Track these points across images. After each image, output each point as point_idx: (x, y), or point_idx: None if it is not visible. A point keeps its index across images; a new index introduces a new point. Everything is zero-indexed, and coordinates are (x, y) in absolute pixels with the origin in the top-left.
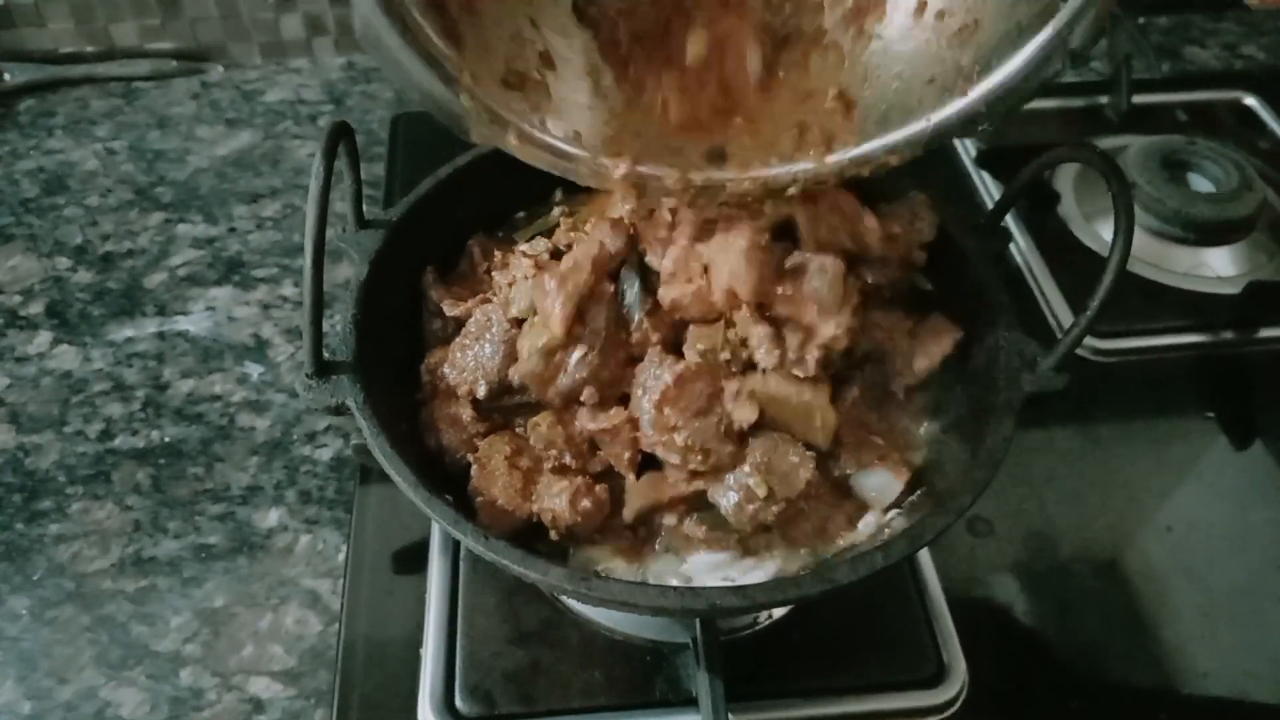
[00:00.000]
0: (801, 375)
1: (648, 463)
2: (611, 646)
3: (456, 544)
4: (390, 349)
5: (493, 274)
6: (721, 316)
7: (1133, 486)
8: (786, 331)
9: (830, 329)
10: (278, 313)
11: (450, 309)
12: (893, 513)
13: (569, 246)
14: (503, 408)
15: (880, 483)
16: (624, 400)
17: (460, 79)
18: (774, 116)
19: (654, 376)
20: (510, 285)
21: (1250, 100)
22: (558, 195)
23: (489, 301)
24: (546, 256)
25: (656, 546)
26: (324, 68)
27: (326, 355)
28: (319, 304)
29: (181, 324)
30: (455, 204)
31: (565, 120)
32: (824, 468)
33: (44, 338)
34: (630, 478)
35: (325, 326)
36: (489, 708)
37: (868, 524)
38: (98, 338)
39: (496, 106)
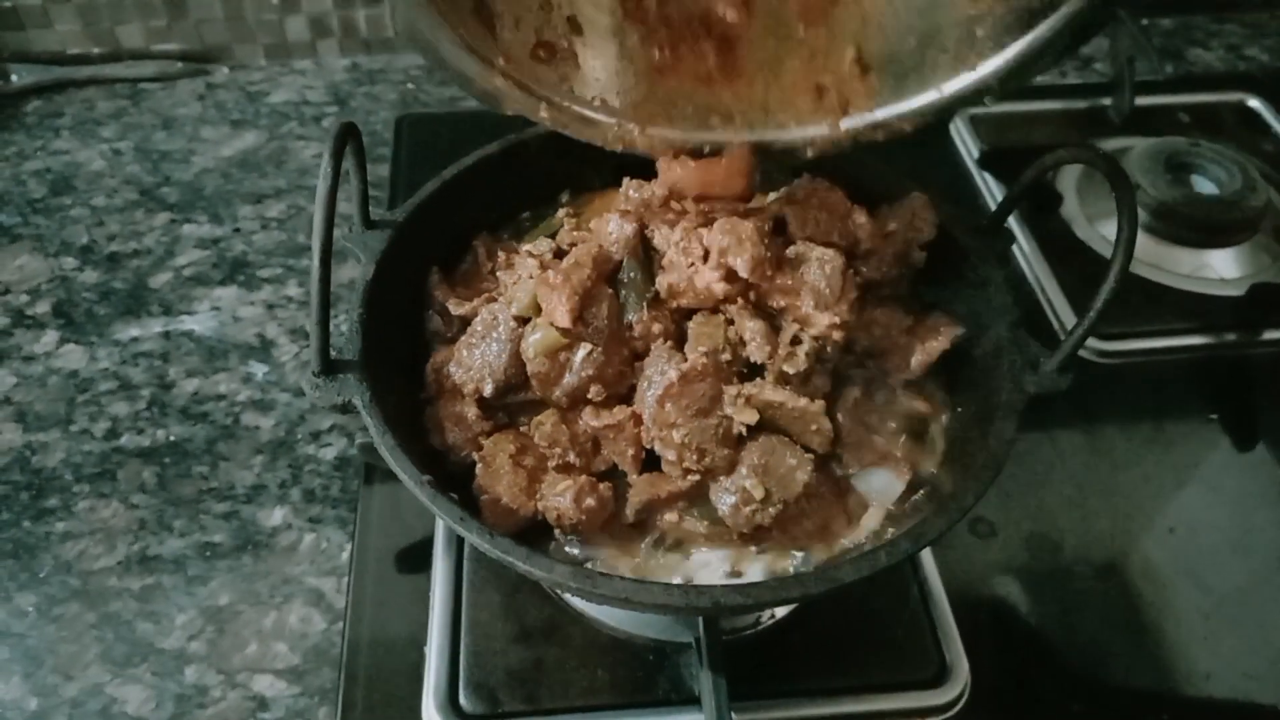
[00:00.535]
0: (792, 371)
1: (651, 462)
2: (615, 645)
3: (460, 543)
4: (395, 348)
5: (498, 274)
6: (719, 305)
7: (1135, 488)
8: (782, 323)
9: (825, 320)
10: (282, 313)
11: (456, 308)
12: (894, 513)
13: (573, 245)
14: (507, 406)
15: (882, 483)
16: (627, 398)
17: (495, 63)
18: (794, 76)
19: (660, 372)
20: (515, 285)
21: (1253, 102)
22: (564, 197)
23: (495, 301)
24: (550, 256)
25: (659, 544)
26: (328, 69)
27: (333, 354)
28: (326, 303)
29: (187, 324)
30: (460, 204)
31: (592, 89)
32: (825, 468)
33: (50, 337)
34: (633, 475)
35: (330, 326)
36: (493, 706)
37: (869, 524)
38: (104, 337)
39: (528, 81)
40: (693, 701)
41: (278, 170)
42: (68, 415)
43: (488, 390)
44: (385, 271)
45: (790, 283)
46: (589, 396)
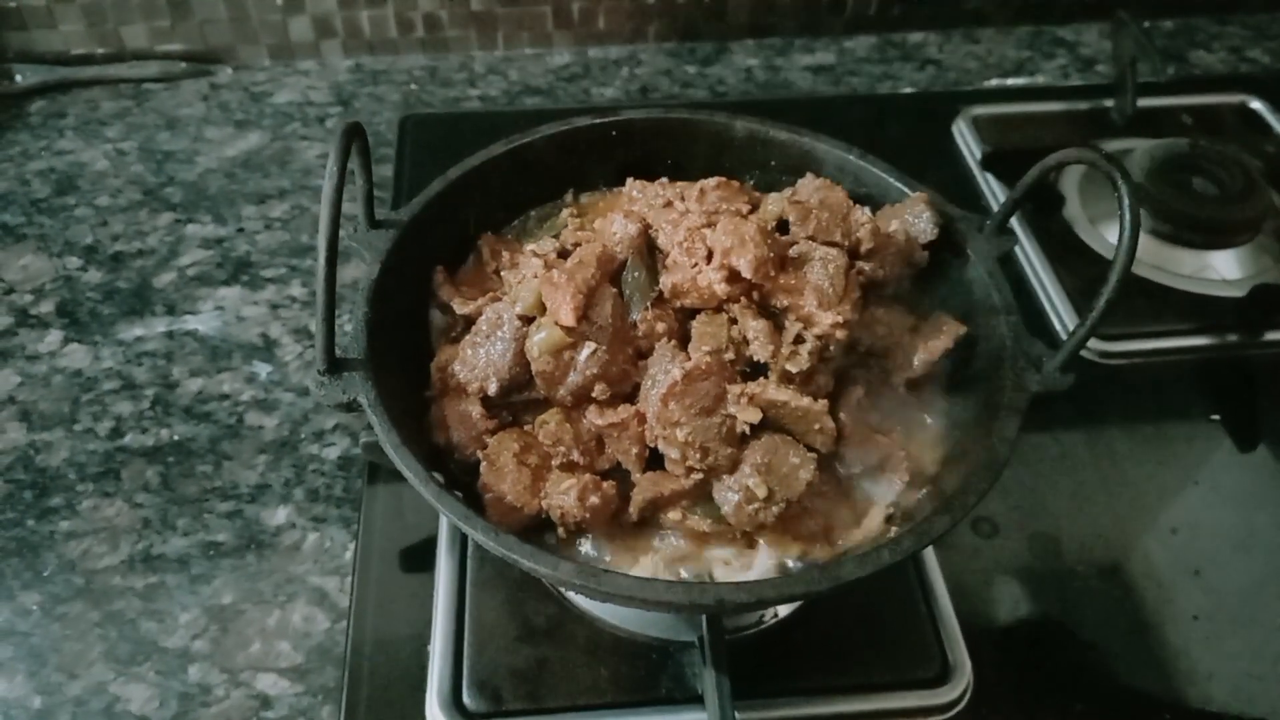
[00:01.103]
0: (795, 370)
1: (655, 461)
2: (618, 644)
3: (464, 541)
4: (400, 347)
5: (502, 273)
6: (721, 304)
7: (1137, 488)
8: (785, 322)
9: (828, 319)
10: (286, 313)
11: (460, 307)
12: (897, 512)
13: (577, 245)
14: (511, 405)
15: (884, 482)
16: (631, 397)
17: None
18: None
19: (664, 371)
20: (519, 284)
21: (1255, 104)
22: (568, 196)
23: (499, 300)
24: (555, 256)
25: (662, 543)
26: (332, 69)
27: (338, 353)
28: (332, 302)
29: (190, 323)
30: (465, 204)
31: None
32: (828, 467)
33: (54, 336)
34: (637, 474)
35: (335, 325)
36: (496, 704)
37: (872, 523)
38: (108, 337)
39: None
40: (696, 700)
41: (281, 170)
42: (72, 414)
43: (492, 389)
44: (390, 271)
45: (793, 282)
46: (593, 395)
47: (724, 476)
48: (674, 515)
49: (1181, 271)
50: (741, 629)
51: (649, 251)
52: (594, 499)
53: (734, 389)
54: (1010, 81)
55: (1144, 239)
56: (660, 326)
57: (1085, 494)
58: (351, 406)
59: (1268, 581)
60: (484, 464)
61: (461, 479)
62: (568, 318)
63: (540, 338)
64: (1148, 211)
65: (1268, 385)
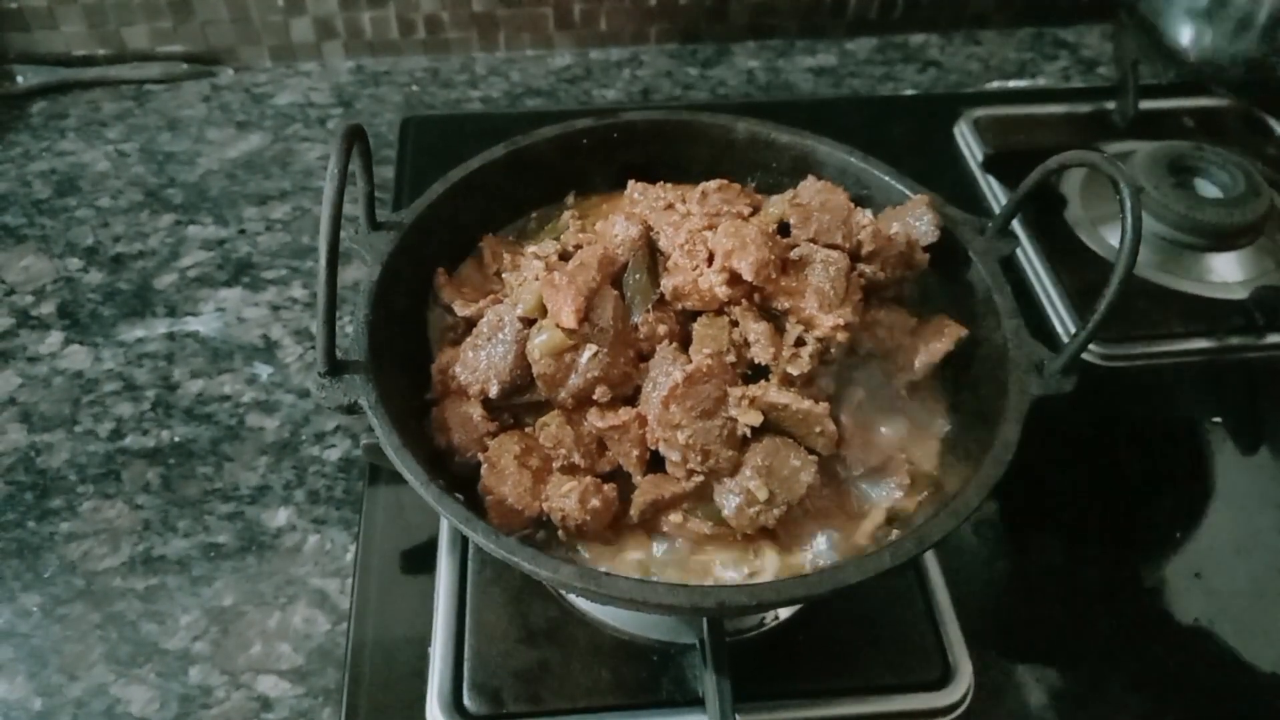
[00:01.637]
0: (796, 372)
1: (656, 463)
2: (619, 646)
3: (465, 544)
4: (401, 349)
5: (503, 275)
6: (723, 307)
7: (1139, 491)
8: (786, 324)
9: (829, 321)
10: (287, 314)
11: (461, 309)
12: (898, 515)
13: (578, 247)
14: (512, 407)
15: (886, 485)
16: (632, 400)
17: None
18: None
19: (665, 373)
20: (520, 286)
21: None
22: (569, 199)
23: (500, 302)
24: (556, 258)
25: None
26: (333, 71)
27: (338, 355)
28: (333, 304)
29: (191, 325)
30: (466, 206)
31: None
32: (829, 469)
33: (55, 338)
34: (638, 476)
35: (336, 327)
36: (497, 706)
37: (873, 525)
38: (109, 338)
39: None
40: (697, 703)
41: (282, 172)
42: (72, 416)
43: (493, 391)
44: (391, 273)
45: (794, 284)
46: (594, 398)
47: (725, 479)
48: (675, 518)
49: (1183, 274)
50: (742, 631)
51: (650, 254)
52: (595, 501)
53: (735, 391)
54: (1012, 84)
55: (1145, 241)
56: (661, 329)
57: (1086, 496)
58: (352, 408)
59: (1269, 583)
60: (485, 466)
61: (462, 481)
62: (569, 320)
63: (541, 340)
64: (1149, 214)
65: (1269, 388)
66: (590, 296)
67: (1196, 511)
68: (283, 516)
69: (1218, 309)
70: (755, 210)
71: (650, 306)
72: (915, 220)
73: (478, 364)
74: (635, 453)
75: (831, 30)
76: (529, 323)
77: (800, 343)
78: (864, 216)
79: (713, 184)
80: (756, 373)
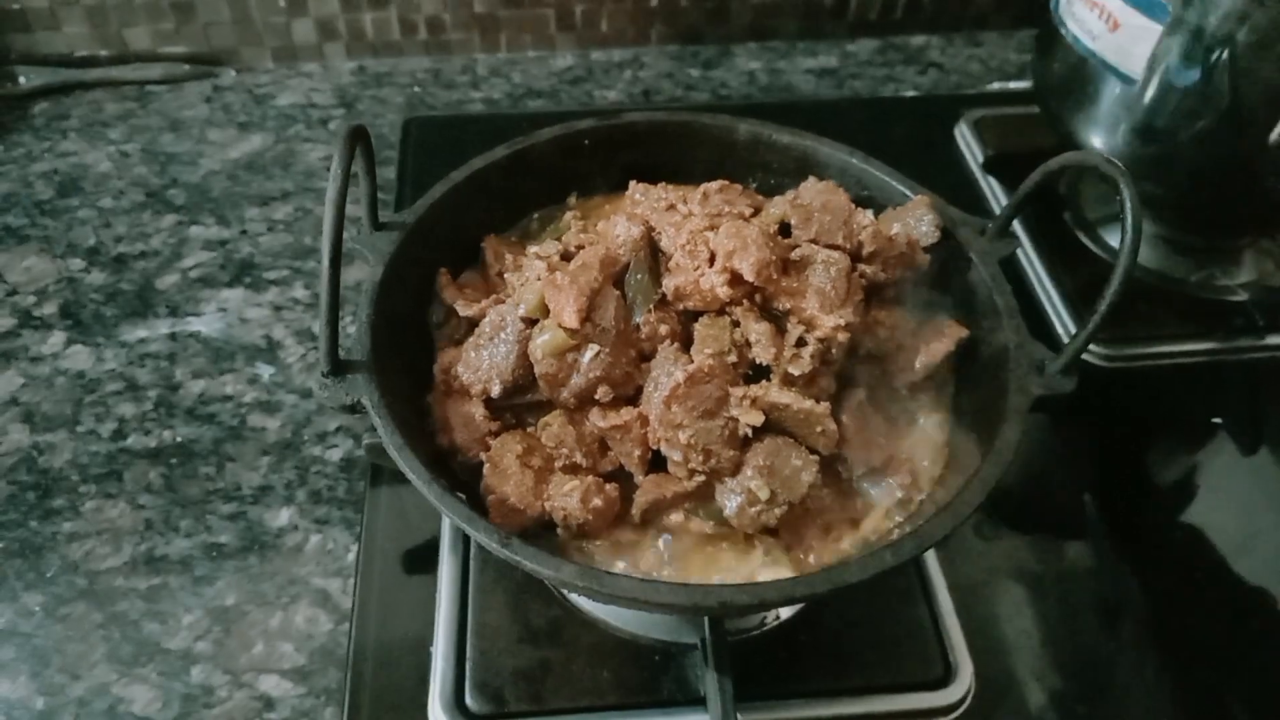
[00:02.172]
0: (797, 372)
1: (658, 463)
2: (620, 646)
3: (467, 543)
4: (403, 349)
5: (505, 275)
6: (724, 307)
7: (1139, 491)
8: (788, 325)
9: (830, 322)
10: (289, 314)
11: (464, 310)
12: (899, 514)
13: (580, 248)
14: (515, 407)
15: (886, 484)
16: (634, 399)
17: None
18: None
19: (666, 373)
20: (523, 286)
21: None
22: (571, 199)
23: (502, 302)
24: (558, 258)
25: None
26: (335, 72)
27: (341, 355)
28: (336, 304)
29: (193, 325)
30: (468, 207)
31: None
32: (830, 469)
33: (58, 338)
34: (640, 476)
35: (338, 327)
36: (499, 706)
37: (874, 525)
38: (111, 338)
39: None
40: (698, 702)
41: (284, 173)
42: (75, 416)
43: (495, 391)
44: (394, 273)
45: (795, 285)
46: (596, 397)
47: (726, 479)
48: (676, 517)
49: (1184, 276)
50: (744, 631)
51: (652, 254)
52: (597, 501)
53: (736, 391)
54: (1012, 85)
55: (1146, 242)
56: (663, 329)
57: (1087, 496)
58: (355, 408)
59: (1270, 583)
60: (487, 466)
61: (464, 481)
62: (571, 320)
63: (543, 340)
64: (1150, 215)
65: (1270, 389)
66: (592, 297)
67: (1196, 512)
68: (285, 516)
69: (1218, 310)
70: (756, 211)
71: (652, 307)
72: (916, 221)
73: (480, 364)
74: (637, 452)
75: (832, 32)
76: (531, 323)
77: (801, 343)
78: (865, 217)
79: (714, 185)
80: (758, 373)
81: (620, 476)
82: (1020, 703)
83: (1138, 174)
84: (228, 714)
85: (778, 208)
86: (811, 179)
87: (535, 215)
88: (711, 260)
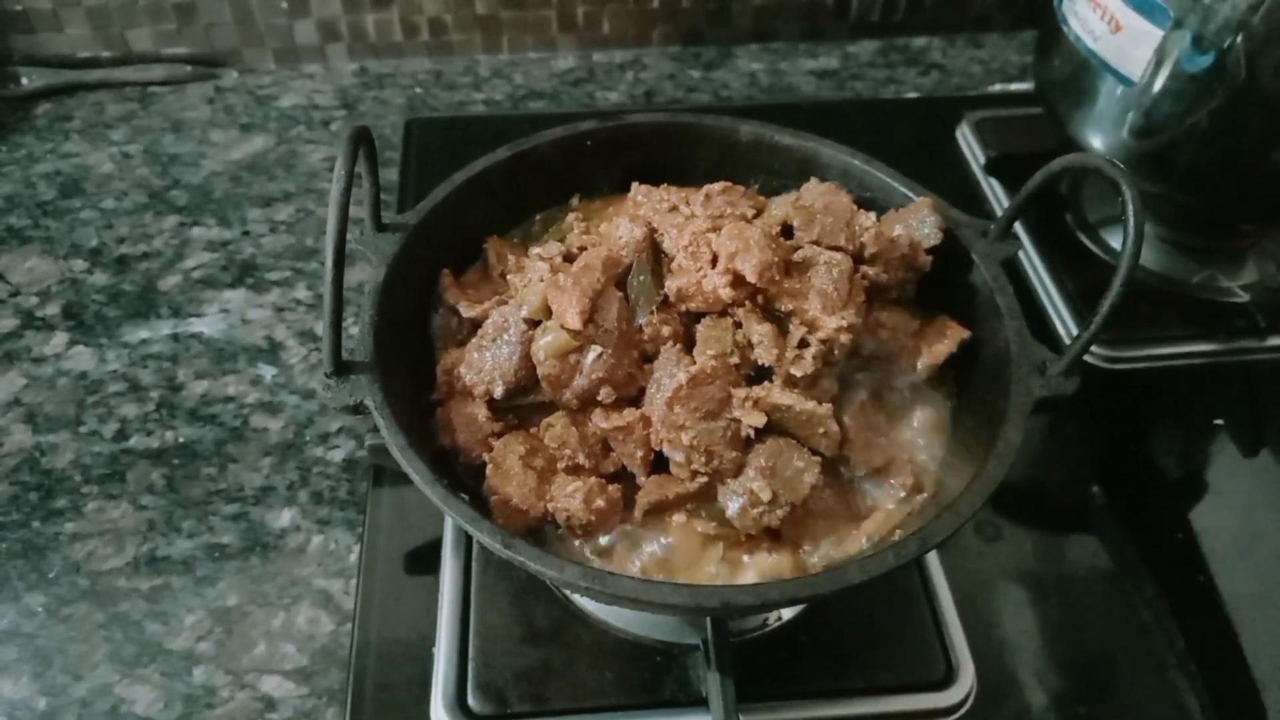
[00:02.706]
0: (799, 374)
1: (660, 464)
2: (622, 647)
3: (469, 544)
4: (406, 350)
5: (508, 277)
6: (726, 308)
7: (1140, 492)
8: (790, 326)
9: (833, 323)
10: (291, 315)
11: (467, 311)
12: (901, 515)
13: (582, 249)
14: (517, 408)
15: (888, 485)
16: (637, 401)
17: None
18: None
19: (669, 374)
20: (525, 287)
21: None
22: (574, 200)
23: (505, 303)
24: (560, 259)
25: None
26: (337, 73)
27: (344, 356)
28: (339, 305)
29: (196, 326)
30: (471, 208)
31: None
32: (832, 470)
33: (60, 339)
34: (642, 477)
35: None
36: (501, 706)
37: (876, 526)
38: (113, 339)
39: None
40: (700, 703)
41: (286, 174)
42: (77, 417)
43: (498, 392)
44: (396, 274)
45: (798, 286)
46: (599, 398)
47: (729, 480)
48: (679, 518)
49: (1186, 277)
50: (746, 631)
51: (654, 256)
52: (599, 502)
53: (739, 393)
54: (1014, 86)
55: (1148, 243)
56: (665, 330)
57: (1089, 497)
58: (358, 409)
59: (1271, 585)
60: (490, 467)
61: (467, 482)
62: (574, 321)
63: (546, 341)
64: (1152, 217)
65: (1271, 391)
66: (595, 298)
67: (1198, 514)
68: (287, 517)
69: (1220, 311)
70: (758, 212)
71: (654, 308)
72: (918, 223)
73: (483, 365)
74: (640, 453)
75: (834, 33)
76: (534, 324)
77: (803, 344)
78: (867, 219)
79: (716, 186)
80: (760, 374)
81: (623, 477)
82: (1022, 704)
83: (1139, 175)
84: (229, 714)
85: (780, 209)
86: (813, 180)
87: (538, 216)
88: (714, 262)
